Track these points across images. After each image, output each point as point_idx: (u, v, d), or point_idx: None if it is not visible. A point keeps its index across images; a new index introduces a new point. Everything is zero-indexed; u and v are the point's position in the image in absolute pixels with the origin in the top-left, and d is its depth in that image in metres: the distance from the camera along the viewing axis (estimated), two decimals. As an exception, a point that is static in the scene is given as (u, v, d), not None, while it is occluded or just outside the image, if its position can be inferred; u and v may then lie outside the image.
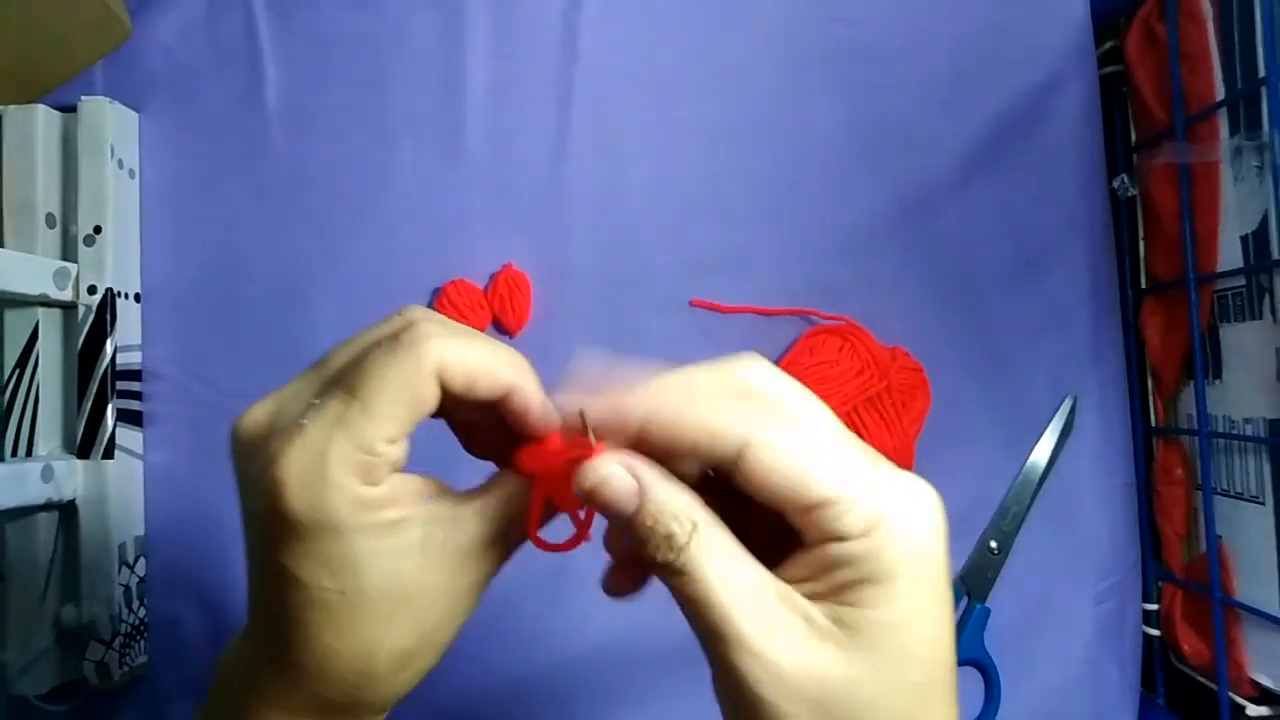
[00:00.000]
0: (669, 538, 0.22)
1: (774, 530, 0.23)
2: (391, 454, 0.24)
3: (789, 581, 0.23)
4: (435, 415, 0.26)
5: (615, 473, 0.23)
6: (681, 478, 0.24)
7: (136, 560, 0.52)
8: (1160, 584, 0.54)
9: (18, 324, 0.52)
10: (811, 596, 0.22)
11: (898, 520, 0.22)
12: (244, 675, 0.27)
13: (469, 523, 0.26)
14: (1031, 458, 0.53)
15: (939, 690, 0.23)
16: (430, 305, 0.53)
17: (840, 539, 0.22)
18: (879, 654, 0.22)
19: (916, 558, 0.22)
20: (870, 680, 0.22)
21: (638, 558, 0.24)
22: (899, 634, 0.22)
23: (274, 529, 0.24)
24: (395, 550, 0.24)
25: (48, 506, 0.49)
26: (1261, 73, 0.45)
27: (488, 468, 0.28)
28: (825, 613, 0.22)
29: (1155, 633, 0.54)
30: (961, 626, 0.53)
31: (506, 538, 0.26)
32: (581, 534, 0.26)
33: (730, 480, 0.23)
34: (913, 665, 0.22)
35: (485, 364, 0.25)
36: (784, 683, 0.21)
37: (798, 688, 0.21)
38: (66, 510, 0.51)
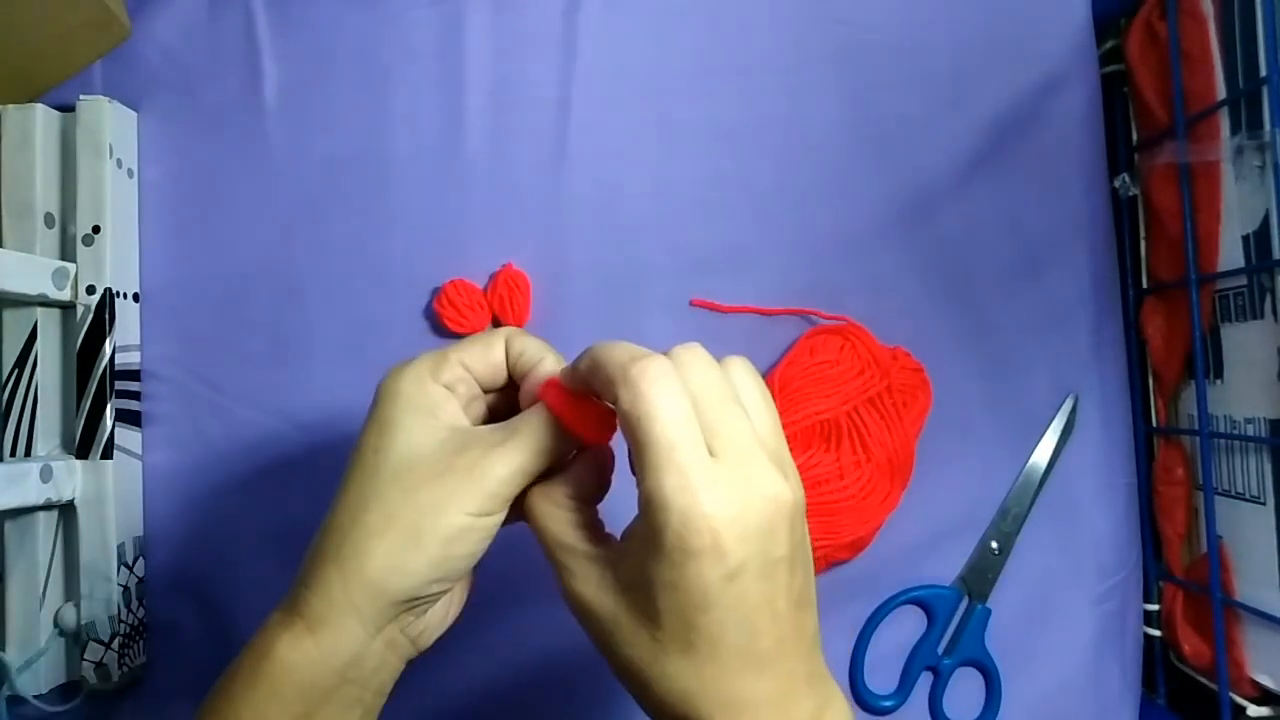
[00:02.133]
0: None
1: None
2: (459, 372, 0.33)
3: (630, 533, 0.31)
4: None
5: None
6: None
7: (135, 561, 0.52)
8: (1161, 584, 0.54)
9: (16, 324, 0.52)
10: (625, 555, 0.30)
11: (699, 499, 0.27)
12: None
13: (491, 435, 0.32)
14: (1032, 458, 0.53)
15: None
16: (430, 305, 0.53)
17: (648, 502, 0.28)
18: None
19: (690, 538, 0.27)
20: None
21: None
22: (680, 599, 0.28)
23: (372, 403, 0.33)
24: (428, 429, 0.32)
25: (46, 507, 0.49)
26: (1263, 71, 0.45)
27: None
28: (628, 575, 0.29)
29: (1156, 633, 0.54)
30: (962, 626, 0.52)
31: (522, 459, 0.31)
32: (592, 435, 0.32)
33: None
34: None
35: (531, 343, 0.34)
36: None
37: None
38: (65, 510, 0.51)
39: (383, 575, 0.30)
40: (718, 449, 0.27)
